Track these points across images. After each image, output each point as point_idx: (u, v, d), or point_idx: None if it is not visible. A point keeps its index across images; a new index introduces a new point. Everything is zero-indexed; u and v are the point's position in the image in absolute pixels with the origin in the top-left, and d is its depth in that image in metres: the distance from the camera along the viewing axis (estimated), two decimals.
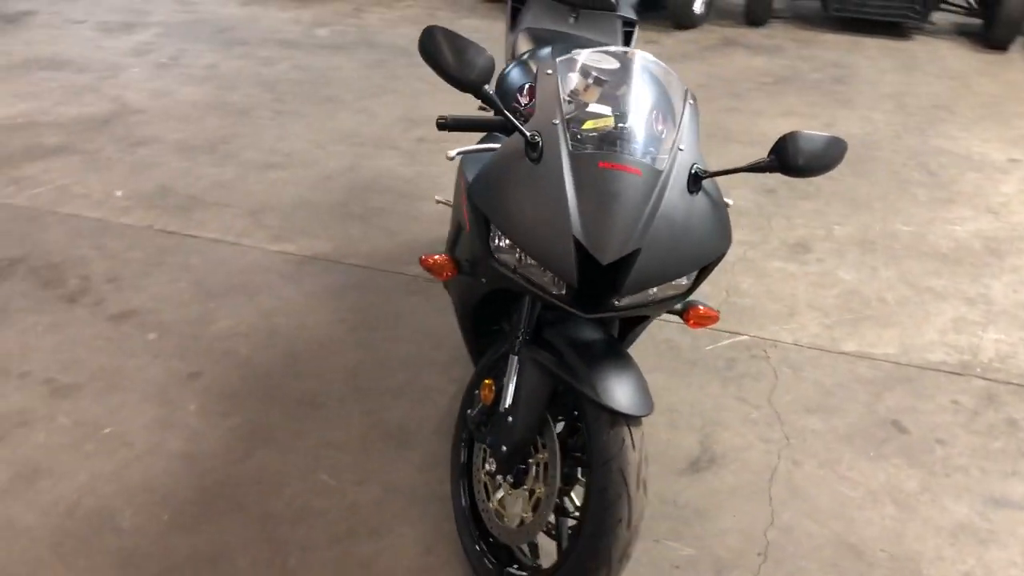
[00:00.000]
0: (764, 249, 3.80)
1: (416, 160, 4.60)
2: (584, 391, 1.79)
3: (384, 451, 2.58)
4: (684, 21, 7.33)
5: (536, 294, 1.83)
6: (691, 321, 2.04)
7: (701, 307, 2.05)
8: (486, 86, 1.84)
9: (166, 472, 2.47)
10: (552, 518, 1.97)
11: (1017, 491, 2.52)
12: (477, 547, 2.13)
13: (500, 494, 2.06)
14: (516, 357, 1.96)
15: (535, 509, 1.95)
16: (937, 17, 7.54)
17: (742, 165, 1.85)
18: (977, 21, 7.44)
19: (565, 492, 2.00)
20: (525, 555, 2.12)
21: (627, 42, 3.18)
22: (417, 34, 1.92)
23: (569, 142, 1.83)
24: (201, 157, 4.59)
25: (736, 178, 4.40)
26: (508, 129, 1.90)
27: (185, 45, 6.60)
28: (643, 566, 2.23)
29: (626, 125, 1.90)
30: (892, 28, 7.54)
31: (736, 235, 3.88)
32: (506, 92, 2.61)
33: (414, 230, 3.87)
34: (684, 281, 1.86)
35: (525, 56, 2.86)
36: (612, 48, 2.13)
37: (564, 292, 1.78)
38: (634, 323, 2.15)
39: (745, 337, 3.18)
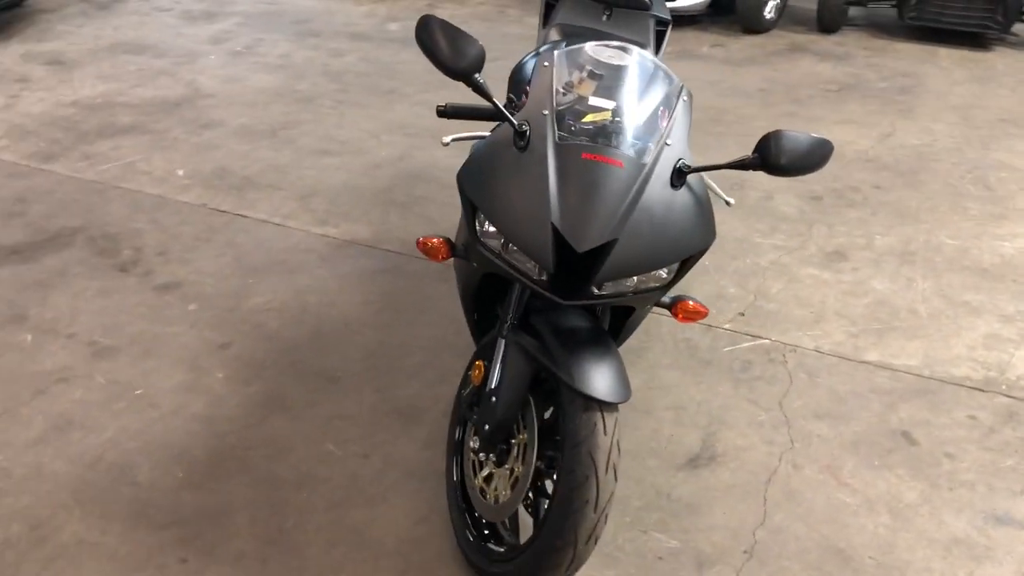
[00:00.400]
0: (800, 255, 3.77)
1: (464, 153, 4.66)
2: (560, 375, 1.86)
3: (391, 427, 2.68)
4: (753, 25, 7.24)
5: (519, 279, 1.90)
6: (679, 315, 2.08)
7: (690, 302, 2.08)
8: (476, 75, 1.91)
9: (186, 432, 2.63)
10: (531, 497, 2.04)
11: (1022, 510, 2.46)
12: (463, 520, 2.21)
13: (485, 472, 2.14)
14: (503, 340, 2.03)
15: (513, 488, 2.02)
16: (1021, 28, 7.27)
17: (724, 162, 1.88)
18: None
19: (548, 475, 2.06)
20: (507, 531, 2.19)
21: (659, 41, 3.21)
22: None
23: (557, 132, 1.89)
24: (261, 141, 4.79)
25: (782, 184, 4.42)
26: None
27: (262, 35, 6.87)
28: (628, 555, 2.28)
29: (620, 119, 1.96)
30: (971, 39, 7.28)
31: (773, 240, 3.88)
32: (518, 82, 2.68)
33: (453, 219, 3.96)
34: (664, 273, 1.90)
35: (544, 49, 2.92)
36: (612, 43, 2.18)
37: (544, 278, 1.84)
38: (625, 316, 2.19)
39: (766, 341, 3.18)
